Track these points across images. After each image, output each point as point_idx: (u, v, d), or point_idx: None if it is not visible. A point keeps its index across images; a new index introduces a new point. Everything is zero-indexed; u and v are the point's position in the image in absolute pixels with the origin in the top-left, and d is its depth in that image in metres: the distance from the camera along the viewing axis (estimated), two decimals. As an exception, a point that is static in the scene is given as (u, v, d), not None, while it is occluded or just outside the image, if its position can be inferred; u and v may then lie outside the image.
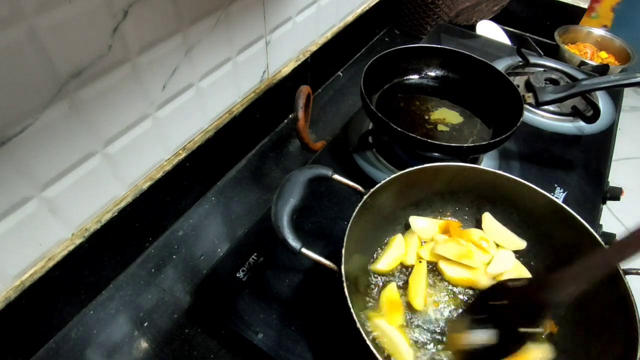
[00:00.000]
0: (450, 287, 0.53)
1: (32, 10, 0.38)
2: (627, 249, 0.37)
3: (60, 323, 0.57)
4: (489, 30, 1.20)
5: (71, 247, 0.53)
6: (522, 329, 0.44)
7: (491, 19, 1.24)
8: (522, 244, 0.55)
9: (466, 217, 0.59)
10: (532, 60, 0.94)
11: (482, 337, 0.46)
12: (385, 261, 0.53)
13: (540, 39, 1.21)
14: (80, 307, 0.59)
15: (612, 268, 0.43)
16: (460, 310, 0.51)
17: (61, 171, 0.48)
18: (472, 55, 0.76)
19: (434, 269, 0.54)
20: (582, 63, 1.10)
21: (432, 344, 0.48)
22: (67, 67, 0.43)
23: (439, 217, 0.59)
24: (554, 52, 1.16)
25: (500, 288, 0.50)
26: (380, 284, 0.52)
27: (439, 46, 0.79)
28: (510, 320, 0.46)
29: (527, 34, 1.21)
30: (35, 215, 0.47)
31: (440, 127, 0.72)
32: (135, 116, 0.54)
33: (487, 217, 0.57)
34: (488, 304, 0.49)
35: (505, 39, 1.20)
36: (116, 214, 0.57)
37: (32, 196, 0.46)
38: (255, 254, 0.59)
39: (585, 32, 1.27)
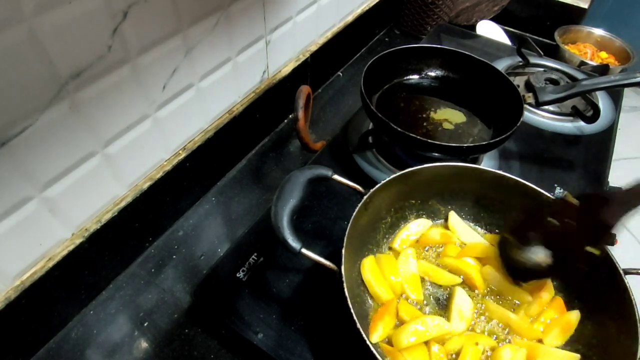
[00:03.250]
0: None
1: (32, 11, 0.38)
2: None
3: (60, 323, 0.57)
4: (489, 30, 1.20)
5: (71, 247, 0.53)
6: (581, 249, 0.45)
7: (491, 19, 1.24)
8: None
9: (465, 217, 0.60)
10: (532, 60, 0.94)
11: (539, 255, 0.47)
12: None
13: (540, 39, 1.21)
14: (80, 307, 0.59)
15: None
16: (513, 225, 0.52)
17: (61, 171, 0.48)
18: (472, 55, 0.76)
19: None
20: (582, 63, 1.10)
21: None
22: (67, 68, 0.43)
23: (438, 218, 0.60)
24: (554, 52, 1.16)
25: (556, 205, 0.49)
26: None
27: (439, 46, 0.79)
28: (568, 240, 0.46)
29: (527, 34, 1.21)
30: (36, 216, 0.47)
31: (446, 125, 0.72)
32: (135, 116, 0.54)
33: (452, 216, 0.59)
34: (542, 222, 0.48)
35: (505, 39, 1.20)
36: (116, 214, 0.57)
37: (32, 196, 0.46)
38: (255, 254, 0.59)
39: (586, 32, 1.27)
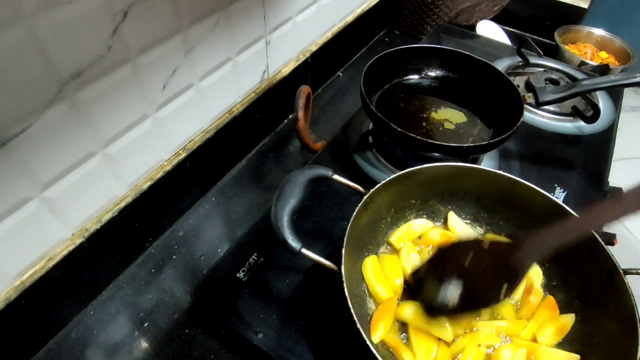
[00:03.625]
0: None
1: (32, 10, 0.38)
2: (604, 214, 0.38)
3: (60, 323, 0.57)
4: (489, 30, 1.20)
5: (71, 247, 0.53)
6: (492, 288, 0.44)
7: (491, 19, 1.24)
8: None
9: (465, 217, 0.60)
10: (532, 60, 0.94)
11: (452, 295, 0.45)
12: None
13: (540, 39, 1.21)
14: (81, 307, 0.59)
15: (587, 232, 0.41)
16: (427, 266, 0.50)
17: (61, 171, 0.48)
18: (472, 55, 0.76)
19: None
20: (582, 63, 1.10)
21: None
22: (67, 68, 0.43)
23: (438, 219, 0.60)
24: (554, 52, 1.16)
25: (469, 246, 0.48)
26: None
27: (439, 46, 0.79)
28: (480, 279, 0.45)
29: (527, 34, 1.21)
30: (36, 216, 0.47)
31: (447, 125, 0.73)
32: (135, 116, 0.54)
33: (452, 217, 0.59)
34: (456, 262, 0.47)
35: (505, 39, 1.20)
36: (116, 214, 0.57)
37: (32, 196, 0.46)
38: (255, 254, 0.59)
39: (586, 32, 1.27)
